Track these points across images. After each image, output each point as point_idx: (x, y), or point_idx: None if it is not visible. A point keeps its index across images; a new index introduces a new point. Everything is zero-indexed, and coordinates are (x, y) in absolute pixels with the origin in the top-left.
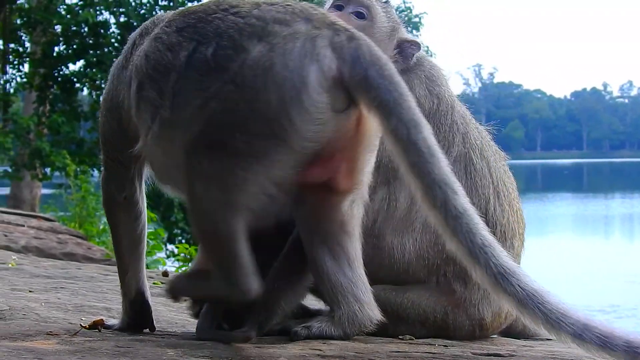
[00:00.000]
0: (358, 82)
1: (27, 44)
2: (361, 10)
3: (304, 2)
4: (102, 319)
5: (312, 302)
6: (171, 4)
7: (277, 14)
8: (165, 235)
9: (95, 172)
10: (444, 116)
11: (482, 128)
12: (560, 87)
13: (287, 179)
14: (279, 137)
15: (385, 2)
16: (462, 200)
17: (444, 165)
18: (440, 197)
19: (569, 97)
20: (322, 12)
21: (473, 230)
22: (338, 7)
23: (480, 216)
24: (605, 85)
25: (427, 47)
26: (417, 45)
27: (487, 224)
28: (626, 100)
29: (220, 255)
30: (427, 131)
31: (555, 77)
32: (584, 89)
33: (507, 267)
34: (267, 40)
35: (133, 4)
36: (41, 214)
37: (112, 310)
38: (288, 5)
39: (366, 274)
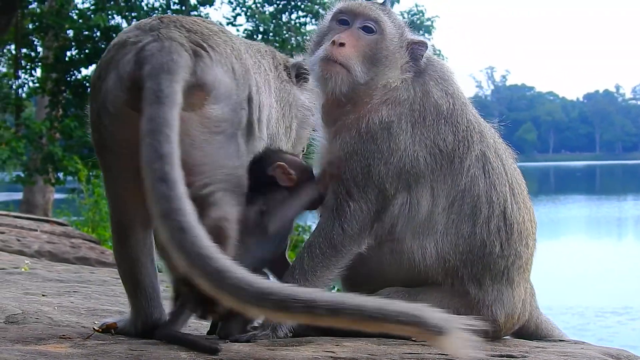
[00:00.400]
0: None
1: (39, 49)
2: (370, 25)
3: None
4: (114, 323)
5: None
6: (183, 7)
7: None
8: None
9: None
10: (460, 115)
11: (491, 126)
12: (572, 89)
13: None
14: (105, 146)
15: (384, 4)
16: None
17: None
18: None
19: (581, 99)
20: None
21: None
22: (343, 22)
23: (500, 214)
24: (617, 87)
25: (439, 50)
26: (425, 45)
27: (505, 223)
28: (639, 102)
29: None
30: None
31: (567, 79)
32: (597, 91)
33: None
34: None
35: (145, 8)
36: (54, 219)
37: (125, 313)
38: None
39: (382, 277)
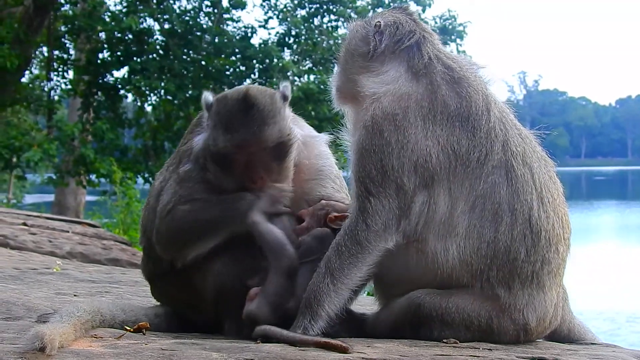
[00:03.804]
0: None
1: (72, 51)
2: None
3: None
4: (146, 322)
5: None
6: (215, 10)
7: None
8: None
9: (140, 180)
10: (477, 120)
11: (528, 133)
12: (605, 95)
13: None
14: None
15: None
16: None
17: None
18: None
19: (613, 104)
20: None
21: None
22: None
23: (524, 222)
24: None
25: (470, 56)
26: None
27: (531, 230)
28: None
29: None
30: None
31: (600, 84)
32: (629, 97)
33: None
34: None
35: (177, 10)
36: (86, 220)
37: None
38: None
39: (411, 277)
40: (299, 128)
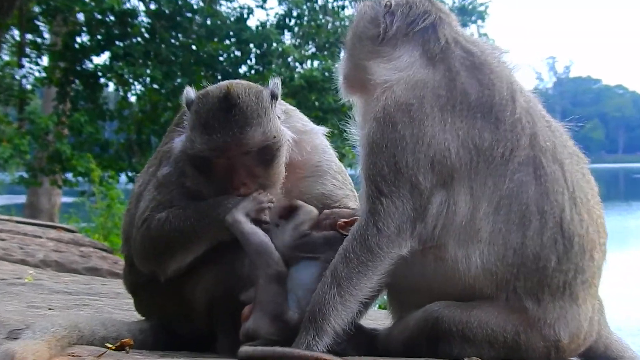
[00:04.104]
0: None
1: (46, 35)
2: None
3: None
4: (130, 339)
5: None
6: None
7: None
8: None
9: (123, 179)
10: (501, 111)
11: (558, 125)
12: None
13: None
14: None
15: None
16: None
17: None
18: None
19: None
20: None
21: None
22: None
23: (555, 225)
24: None
25: (493, 40)
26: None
27: (563, 235)
28: None
29: None
30: None
31: (639, 71)
32: None
33: None
34: None
35: None
36: (61, 225)
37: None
38: None
39: (429, 288)
40: (292, 121)
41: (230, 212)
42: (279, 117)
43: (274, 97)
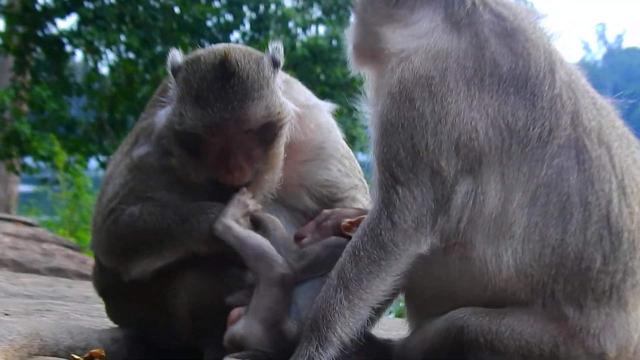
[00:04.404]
0: None
1: None
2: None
3: None
4: (100, 350)
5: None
6: None
7: None
8: None
9: (92, 164)
10: (538, 85)
11: (606, 103)
12: None
13: None
14: None
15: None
16: None
17: None
18: None
19: None
20: None
21: None
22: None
23: (601, 219)
24: None
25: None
26: None
27: (610, 231)
28: None
29: None
30: None
31: None
32: None
33: None
34: None
35: None
36: (20, 217)
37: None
38: None
39: (453, 292)
40: (293, 93)
41: (218, 220)
42: (280, 89)
43: (275, 64)
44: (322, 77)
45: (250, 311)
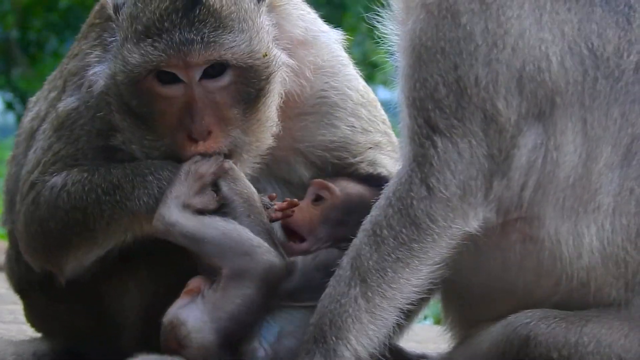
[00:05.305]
0: None
1: None
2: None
3: None
4: None
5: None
6: None
7: None
8: None
9: None
10: None
11: None
12: None
13: None
14: None
15: None
16: None
17: None
18: None
19: None
20: None
21: None
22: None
23: None
24: None
25: None
26: None
27: None
28: None
29: None
30: None
31: None
32: None
33: None
34: None
35: None
36: None
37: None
38: None
39: (511, 289)
40: (284, 24)
41: (158, 212)
42: (268, 32)
43: None
44: None
45: (207, 305)
